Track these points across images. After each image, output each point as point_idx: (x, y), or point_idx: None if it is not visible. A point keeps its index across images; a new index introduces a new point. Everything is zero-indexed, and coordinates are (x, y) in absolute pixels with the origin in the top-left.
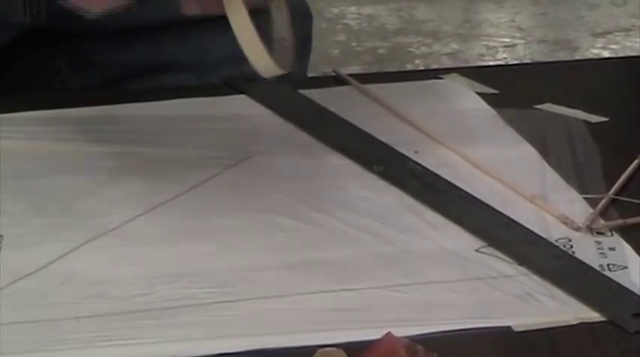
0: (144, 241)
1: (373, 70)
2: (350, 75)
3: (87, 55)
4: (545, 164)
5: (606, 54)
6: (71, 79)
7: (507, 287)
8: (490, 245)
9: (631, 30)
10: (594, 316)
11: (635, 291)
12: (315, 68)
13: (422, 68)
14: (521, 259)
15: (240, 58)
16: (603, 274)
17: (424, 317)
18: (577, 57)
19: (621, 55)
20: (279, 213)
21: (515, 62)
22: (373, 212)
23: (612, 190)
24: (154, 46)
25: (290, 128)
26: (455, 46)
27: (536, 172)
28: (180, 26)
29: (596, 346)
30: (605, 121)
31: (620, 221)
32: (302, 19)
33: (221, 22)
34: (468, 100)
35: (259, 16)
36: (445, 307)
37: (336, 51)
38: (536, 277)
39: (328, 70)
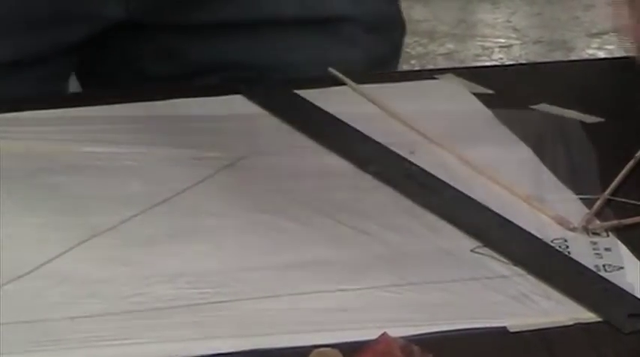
0: (139, 241)
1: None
2: (345, 75)
3: (169, 46)
4: (541, 164)
5: (602, 54)
6: (151, 68)
7: (503, 288)
8: (485, 245)
9: None
10: (590, 316)
11: (631, 291)
12: None
13: (417, 68)
14: (516, 260)
15: (315, 61)
16: (599, 275)
17: (420, 318)
18: (573, 57)
19: (617, 55)
20: (275, 213)
21: (510, 63)
22: (368, 213)
23: (608, 191)
24: (233, 44)
25: (286, 128)
26: (450, 46)
27: (531, 172)
28: (261, 26)
29: (591, 346)
30: (601, 122)
31: (615, 222)
32: (391, 32)
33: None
34: (463, 101)
35: None
36: (441, 308)
37: None
38: (531, 278)
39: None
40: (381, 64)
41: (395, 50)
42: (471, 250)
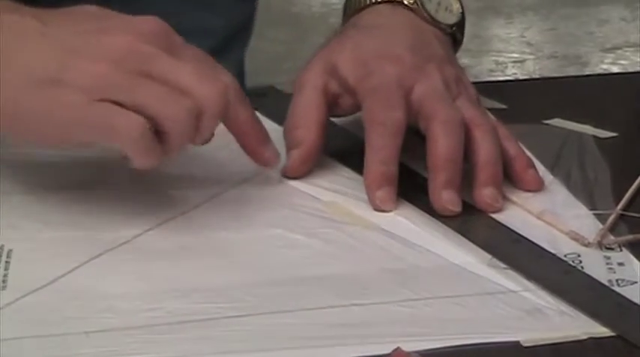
0: (153, 255)
1: None
2: None
3: None
4: (554, 180)
5: (616, 69)
6: None
7: (516, 302)
8: (499, 260)
9: None
10: (603, 331)
11: None
12: None
13: None
14: (530, 275)
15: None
16: (612, 289)
17: (433, 332)
18: (586, 72)
19: (631, 70)
20: (288, 228)
21: (524, 77)
22: (382, 227)
23: (621, 206)
24: None
25: None
26: (464, 61)
27: (544, 187)
28: None
29: None
30: (615, 137)
31: (629, 237)
32: None
33: None
34: None
35: None
36: (454, 322)
37: None
38: (545, 293)
39: None
40: (241, 30)
41: (252, 15)
42: (485, 265)
